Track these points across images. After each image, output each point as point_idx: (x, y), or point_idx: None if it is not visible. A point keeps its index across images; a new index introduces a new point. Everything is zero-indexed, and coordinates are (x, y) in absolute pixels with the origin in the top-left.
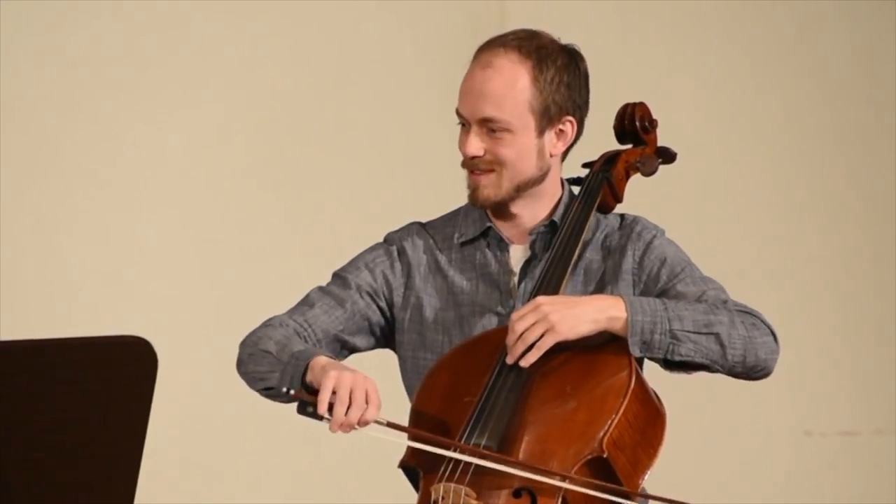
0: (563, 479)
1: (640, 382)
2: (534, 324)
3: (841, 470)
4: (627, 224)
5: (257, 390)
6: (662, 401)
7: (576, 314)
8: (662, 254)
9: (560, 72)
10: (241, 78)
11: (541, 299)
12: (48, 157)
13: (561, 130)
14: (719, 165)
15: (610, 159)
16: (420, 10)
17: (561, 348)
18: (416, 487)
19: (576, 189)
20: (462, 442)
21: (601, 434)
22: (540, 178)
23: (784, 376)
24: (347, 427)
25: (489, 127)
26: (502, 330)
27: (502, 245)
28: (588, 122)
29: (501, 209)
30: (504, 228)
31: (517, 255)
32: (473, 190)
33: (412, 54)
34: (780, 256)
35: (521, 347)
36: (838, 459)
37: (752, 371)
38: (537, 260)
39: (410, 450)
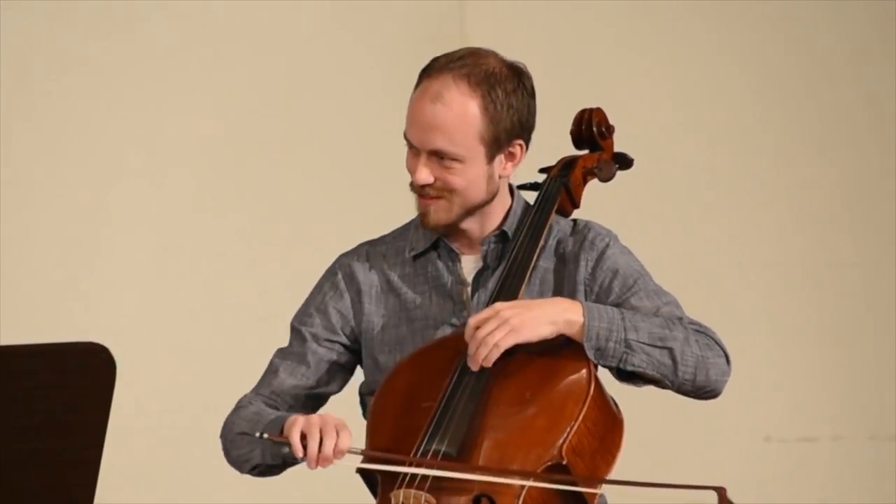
0: (526, 479)
1: (599, 389)
2: (495, 328)
3: (800, 475)
4: (580, 230)
5: (248, 473)
6: (621, 407)
7: (535, 316)
8: (615, 265)
9: (509, 97)
10: (204, 85)
11: (499, 304)
12: (17, 161)
13: (510, 153)
14: (683, 168)
15: (567, 164)
16: (378, 11)
17: (519, 353)
18: (374, 493)
19: (531, 194)
20: (422, 447)
21: (560, 441)
22: (489, 200)
23: (744, 382)
24: (325, 460)
25: (439, 156)
26: (461, 335)
27: (453, 255)
28: (546, 127)
29: (451, 227)
30: (454, 240)
31: (469, 265)
32: (423, 215)
33: (370, 56)
34: (740, 260)
35: (482, 352)
36: (797, 465)
37: (701, 391)
38: (490, 270)
39: (368, 458)
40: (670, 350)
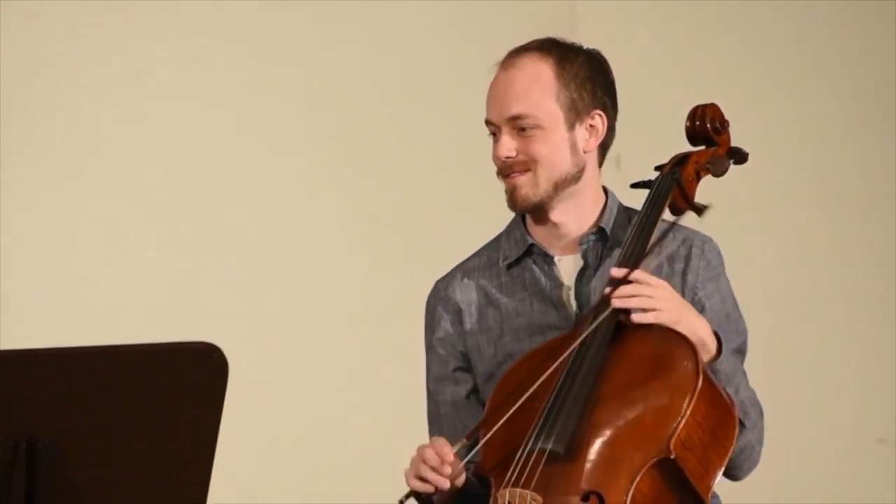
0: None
1: (708, 382)
2: (649, 296)
3: None
4: (688, 235)
5: None
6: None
7: (691, 319)
8: (721, 291)
9: (583, 67)
10: (317, 83)
11: (666, 284)
12: (123, 163)
13: (591, 126)
14: (794, 168)
15: (680, 161)
16: (489, 11)
17: (627, 348)
18: (487, 490)
19: (625, 196)
20: (528, 446)
21: (669, 435)
22: (577, 176)
23: (857, 383)
24: (442, 475)
25: (519, 126)
26: (575, 336)
27: (549, 259)
28: (660, 124)
29: (541, 216)
30: (548, 241)
31: (567, 267)
32: (511, 193)
33: (481, 56)
34: (855, 260)
35: (637, 302)
36: None
37: (730, 468)
38: (591, 269)
39: (483, 459)
40: (743, 426)
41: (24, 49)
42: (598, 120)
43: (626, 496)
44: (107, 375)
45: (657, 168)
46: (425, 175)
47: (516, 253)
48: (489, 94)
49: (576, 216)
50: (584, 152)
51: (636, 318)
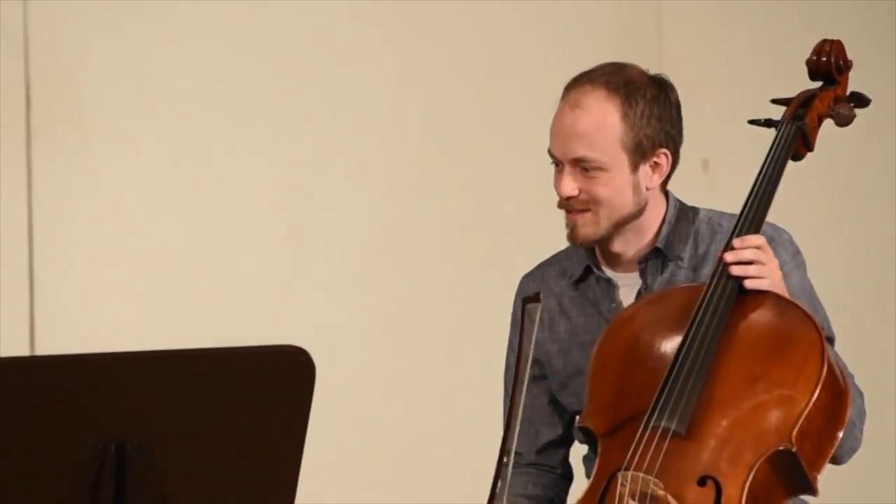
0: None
1: (830, 369)
2: (763, 263)
3: None
4: (769, 230)
5: None
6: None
7: (784, 287)
8: (801, 281)
9: (650, 104)
10: (402, 83)
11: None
12: (210, 164)
13: (656, 163)
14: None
15: (803, 103)
16: (573, 10)
17: (748, 321)
18: (594, 451)
19: (684, 193)
20: (651, 423)
21: (792, 427)
22: (638, 213)
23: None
24: None
25: (582, 166)
26: (691, 290)
27: (610, 285)
28: (745, 125)
29: (603, 247)
30: (607, 261)
31: (627, 288)
32: (571, 230)
33: (565, 56)
34: (848, 263)
35: (753, 269)
36: None
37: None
38: (650, 289)
39: (593, 410)
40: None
41: (114, 53)
42: (663, 158)
43: (744, 487)
44: (195, 378)
45: (776, 101)
46: (512, 175)
47: (579, 271)
48: (554, 127)
49: (636, 244)
50: (647, 189)
51: (749, 283)
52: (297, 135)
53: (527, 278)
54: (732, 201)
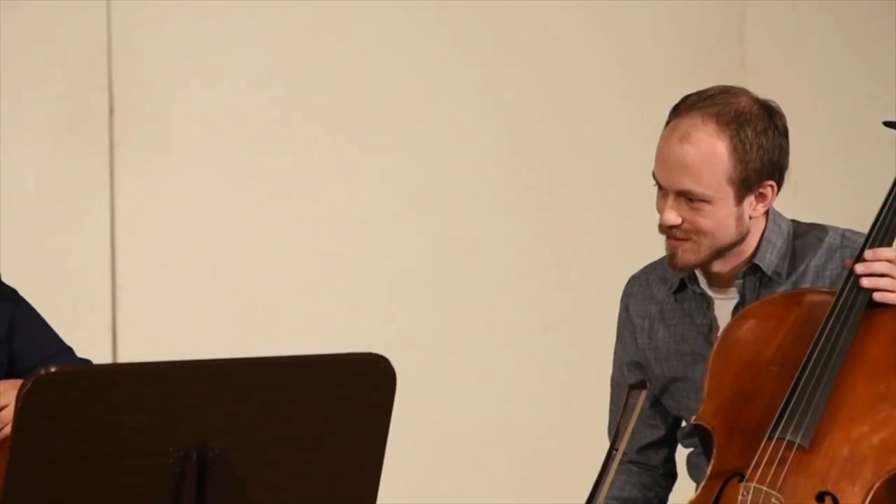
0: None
1: None
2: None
3: None
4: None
5: None
6: None
7: None
8: None
9: (759, 137)
10: (482, 87)
11: None
12: (292, 172)
13: (761, 194)
14: None
15: None
16: (657, 13)
17: (874, 333)
18: (707, 450)
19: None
20: (777, 435)
21: None
22: (740, 241)
23: None
24: None
25: (687, 197)
26: (819, 295)
27: (706, 300)
28: (833, 139)
29: (700, 268)
30: (704, 279)
31: (725, 305)
32: (671, 256)
33: (649, 59)
34: None
35: (871, 283)
36: None
37: None
38: (746, 303)
39: (711, 410)
40: None
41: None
42: (769, 189)
43: (864, 500)
44: (276, 386)
45: (887, 124)
46: (585, 178)
47: (677, 281)
48: (660, 154)
49: (734, 262)
50: (750, 218)
51: (879, 297)
52: (376, 143)
53: (632, 281)
54: (816, 212)
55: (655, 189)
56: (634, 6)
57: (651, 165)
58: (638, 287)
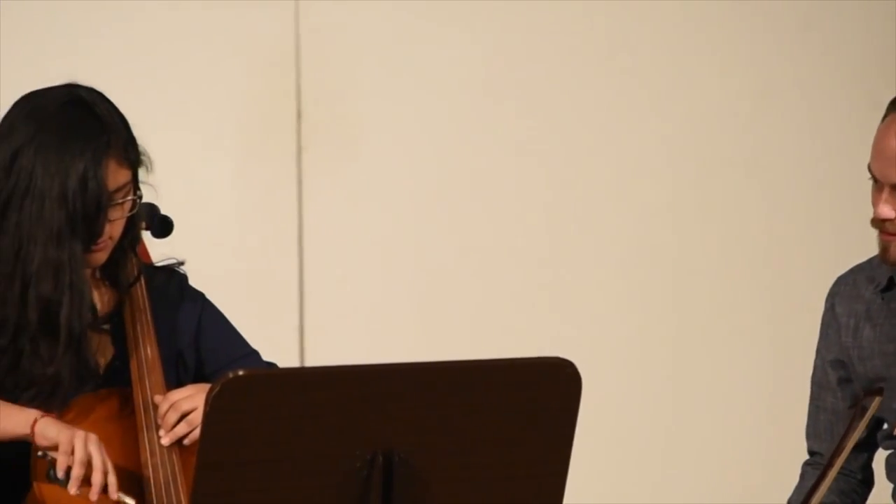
0: None
1: None
2: None
3: None
4: None
5: None
6: None
7: None
8: None
9: None
10: (669, 93)
11: None
12: (465, 176)
13: None
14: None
15: None
16: (840, 20)
17: None
18: None
19: None
20: None
21: None
22: None
23: None
24: None
25: None
26: None
27: None
28: None
29: None
30: None
31: None
32: (884, 249)
33: (834, 68)
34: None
35: None
36: None
37: None
38: None
39: None
40: None
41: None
42: None
43: None
44: (461, 390)
45: None
46: (774, 188)
47: (884, 280)
48: (877, 147)
49: None
50: None
51: None
52: (564, 145)
53: (839, 280)
54: None
55: (871, 183)
56: (818, 13)
57: (862, 159)
58: (844, 286)
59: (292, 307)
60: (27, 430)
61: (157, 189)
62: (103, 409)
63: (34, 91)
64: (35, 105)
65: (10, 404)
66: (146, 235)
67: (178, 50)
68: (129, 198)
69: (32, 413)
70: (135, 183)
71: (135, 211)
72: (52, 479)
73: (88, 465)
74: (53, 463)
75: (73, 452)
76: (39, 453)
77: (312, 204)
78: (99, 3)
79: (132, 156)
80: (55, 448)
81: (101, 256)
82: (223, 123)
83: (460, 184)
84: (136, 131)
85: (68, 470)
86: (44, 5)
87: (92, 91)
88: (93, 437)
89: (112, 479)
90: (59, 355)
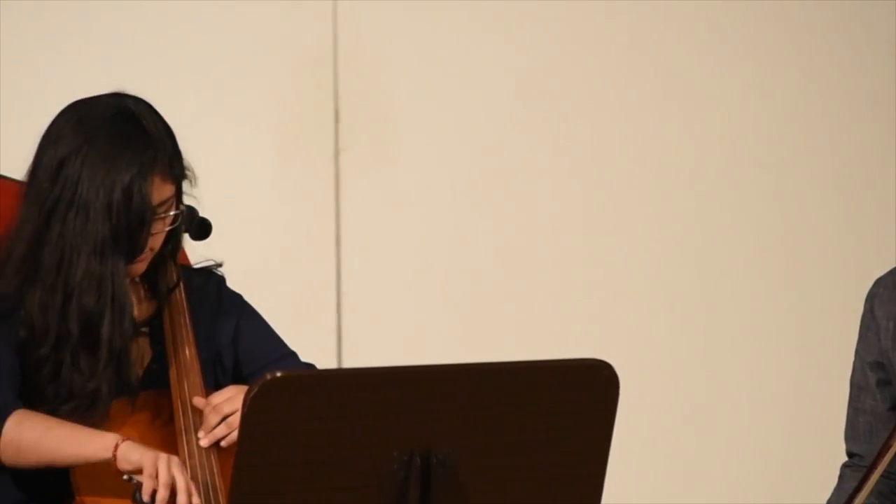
0: None
1: None
2: None
3: None
4: None
5: None
6: None
7: None
8: None
9: None
10: (701, 91)
11: None
12: (514, 175)
13: None
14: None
15: None
16: (876, 19)
17: None
18: None
19: None
20: None
21: None
22: None
23: None
24: None
25: None
26: None
27: None
28: None
29: None
30: None
31: None
32: None
33: (865, 70)
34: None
35: None
36: None
37: None
38: None
39: None
40: None
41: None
42: None
43: None
44: (499, 391)
45: None
46: (807, 188)
47: None
48: None
49: None
50: None
51: None
52: (599, 146)
53: (878, 282)
54: None
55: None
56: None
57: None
58: (884, 288)
59: (330, 308)
60: (108, 455)
61: (196, 195)
62: (141, 412)
63: (82, 99)
64: (83, 114)
65: (86, 428)
66: (184, 237)
67: (216, 52)
68: (172, 212)
69: (112, 437)
70: (178, 196)
71: (178, 224)
72: (139, 502)
73: (172, 488)
74: (139, 486)
75: (157, 476)
76: (125, 477)
77: (350, 205)
78: (137, 3)
79: (177, 170)
80: (139, 471)
81: (140, 267)
82: (261, 125)
83: (497, 185)
84: (174, 132)
85: (153, 493)
86: (82, 6)
87: (139, 102)
88: (175, 460)
89: (196, 501)
90: (100, 371)
